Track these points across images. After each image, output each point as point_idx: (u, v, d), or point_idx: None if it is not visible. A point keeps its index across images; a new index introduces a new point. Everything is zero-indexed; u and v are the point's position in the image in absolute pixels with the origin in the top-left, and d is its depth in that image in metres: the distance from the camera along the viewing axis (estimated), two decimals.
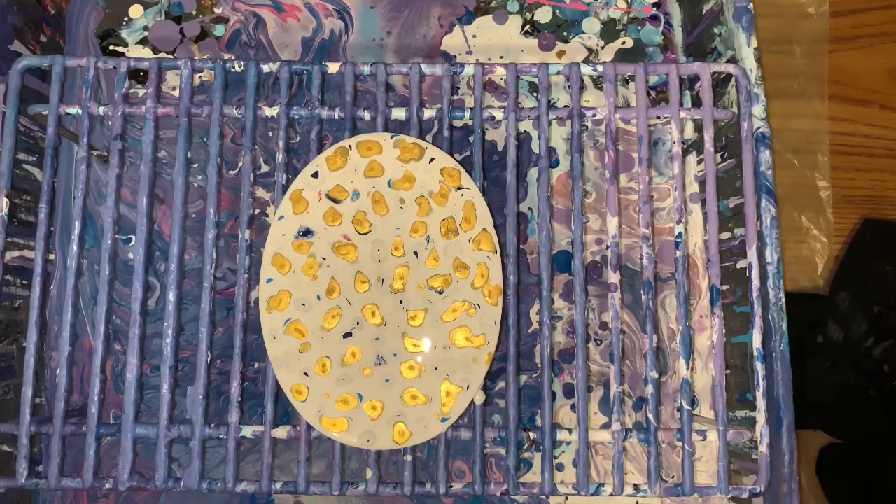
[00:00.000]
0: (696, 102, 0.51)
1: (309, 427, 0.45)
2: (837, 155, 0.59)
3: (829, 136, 0.59)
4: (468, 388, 0.44)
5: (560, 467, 0.54)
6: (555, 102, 0.57)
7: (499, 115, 0.48)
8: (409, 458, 0.45)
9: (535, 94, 0.58)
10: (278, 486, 0.45)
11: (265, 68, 0.48)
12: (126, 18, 0.59)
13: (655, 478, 0.45)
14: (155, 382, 0.54)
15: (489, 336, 0.44)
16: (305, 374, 0.44)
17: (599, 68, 0.49)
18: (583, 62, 0.49)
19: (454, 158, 0.46)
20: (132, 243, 0.55)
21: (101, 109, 0.48)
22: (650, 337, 0.46)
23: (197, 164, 0.56)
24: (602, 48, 0.59)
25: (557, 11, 0.59)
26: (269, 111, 0.48)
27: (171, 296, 0.46)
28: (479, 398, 0.45)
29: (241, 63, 0.48)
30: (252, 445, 0.53)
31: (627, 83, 0.58)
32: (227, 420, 0.45)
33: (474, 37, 0.59)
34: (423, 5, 0.59)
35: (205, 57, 0.58)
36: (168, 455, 0.45)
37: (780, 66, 0.60)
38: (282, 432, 0.45)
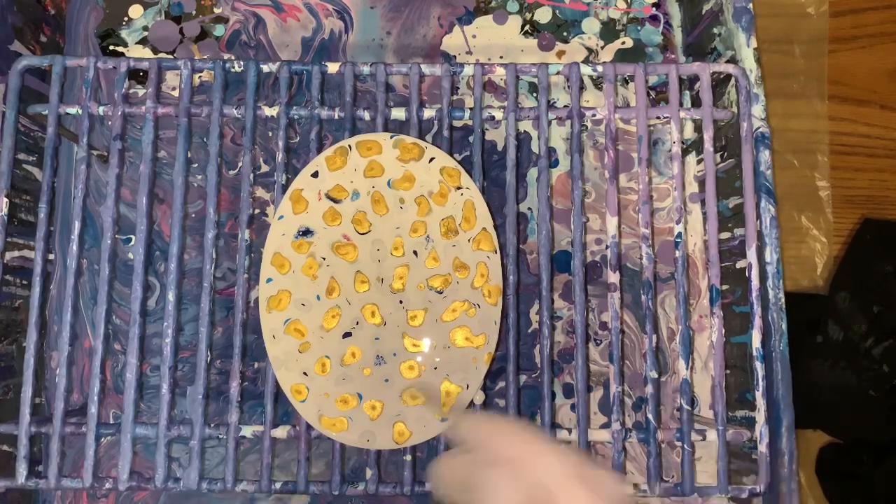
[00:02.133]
0: (696, 102, 0.51)
1: (309, 427, 0.45)
2: (837, 155, 0.59)
3: (829, 136, 0.59)
4: (468, 387, 0.44)
5: None
6: (554, 102, 0.57)
7: (499, 115, 0.48)
8: (409, 457, 0.45)
9: (534, 94, 0.58)
10: (278, 485, 0.45)
11: (265, 68, 0.48)
12: (126, 18, 0.59)
13: (655, 478, 0.45)
14: (155, 382, 0.54)
15: (489, 336, 0.44)
16: (305, 373, 0.44)
17: (599, 68, 0.49)
18: (582, 62, 0.49)
19: (454, 158, 0.46)
20: (132, 243, 0.55)
21: (101, 109, 0.48)
22: (650, 337, 0.46)
23: (197, 164, 0.56)
24: (602, 48, 0.59)
25: (557, 11, 0.59)
26: (269, 111, 0.48)
27: (171, 296, 0.46)
28: (479, 398, 0.45)
29: (241, 63, 0.48)
30: (252, 445, 0.53)
31: (627, 83, 0.58)
32: (226, 420, 0.45)
33: (474, 37, 0.59)
34: (423, 5, 0.59)
35: (205, 57, 0.58)
36: (168, 455, 0.45)
37: (780, 66, 0.60)
38: (282, 432, 0.45)
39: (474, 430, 0.34)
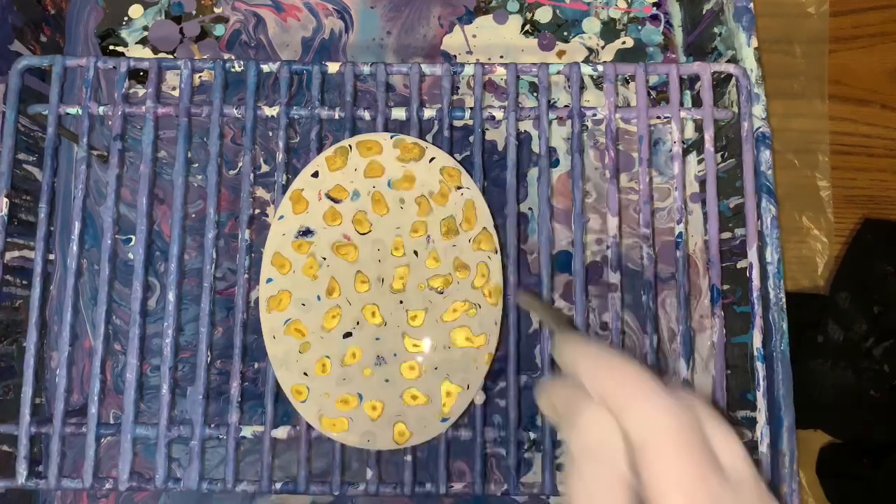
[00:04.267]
0: (697, 102, 0.51)
1: (309, 427, 0.45)
2: (837, 155, 0.59)
3: (830, 136, 0.59)
4: (468, 388, 0.44)
5: (560, 467, 0.54)
6: (555, 102, 0.57)
7: (499, 115, 0.48)
8: (409, 458, 0.45)
9: (535, 94, 0.57)
10: (278, 486, 0.45)
11: (265, 68, 0.48)
12: (126, 18, 0.59)
13: None
14: (155, 382, 0.54)
15: (489, 336, 0.44)
16: (305, 374, 0.44)
17: (599, 68, 0.49)
18: (583, 62, 0.49)
19: (454, 158, 0.46)
20: (132, 243, 0.55)
21: (101, 109, 0.48)
22: (650, 337, 0.46)
23: (197, 164, 0.56)
24: (602, 48, 0.59)
25: (557, 11, 0.59)
26: (269, 111, 0.48)
27: (171, 296, 0.46)
28: (480, 398, 0.45)
29: (241, 63, 0.48)
30: (252, 445, 0.53)
31: (627, 83, 0.58)
32: (227, 420, 0.45)
33: (474, 36, 0.59)
34: (423, 5, 0.59)
35: (205, 57, 0.58)
36: (168, 455, 0.45)
37: (781, 66, 0.60)
38: (282, 432, 0.45)
39: (578, 359, 0.30)
